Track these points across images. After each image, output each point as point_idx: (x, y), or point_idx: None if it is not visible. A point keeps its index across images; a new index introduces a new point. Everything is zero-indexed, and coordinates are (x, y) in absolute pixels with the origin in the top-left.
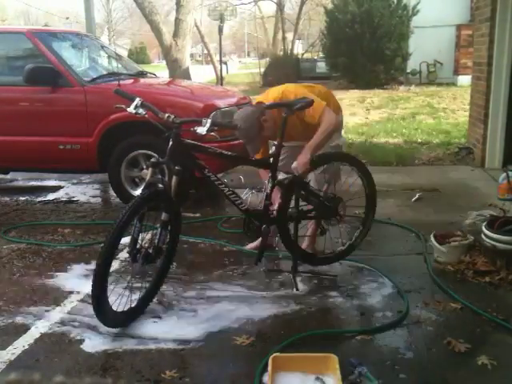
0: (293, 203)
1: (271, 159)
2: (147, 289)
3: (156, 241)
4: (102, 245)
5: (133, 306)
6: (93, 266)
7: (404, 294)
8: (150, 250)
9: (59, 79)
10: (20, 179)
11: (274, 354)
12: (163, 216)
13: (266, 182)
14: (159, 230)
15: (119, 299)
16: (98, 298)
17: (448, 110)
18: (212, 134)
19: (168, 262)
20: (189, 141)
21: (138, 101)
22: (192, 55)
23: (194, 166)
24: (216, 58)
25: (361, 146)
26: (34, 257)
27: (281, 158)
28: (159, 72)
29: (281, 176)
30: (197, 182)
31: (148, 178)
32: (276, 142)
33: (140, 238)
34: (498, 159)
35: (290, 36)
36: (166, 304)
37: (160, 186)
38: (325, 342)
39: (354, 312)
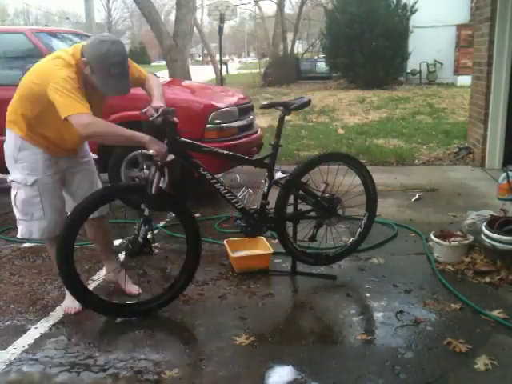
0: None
1: (267, 159)
2: (167, 288)
3: (139, 236)
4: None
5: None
6: (93, 266)
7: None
8: (131, 245)
9: None
10: None
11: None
12: (146, 211)
13: (263, 181)
14: (140, 224)
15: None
16: (63, 269)
17: (448, 110)
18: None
19: (192, 261)
20: (183, 139)
21: None
22: (192, 55)
23: (189, 164)
24: (216, 58)
25: (361, 145)
26: (34, 257)
27: None
28: (159, 72)
29: (278, 175)
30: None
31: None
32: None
33: (142, 234)
34: (498, 159)
35: (290, 36)
36: None
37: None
38: (324, 341)
39: (353, 312)
